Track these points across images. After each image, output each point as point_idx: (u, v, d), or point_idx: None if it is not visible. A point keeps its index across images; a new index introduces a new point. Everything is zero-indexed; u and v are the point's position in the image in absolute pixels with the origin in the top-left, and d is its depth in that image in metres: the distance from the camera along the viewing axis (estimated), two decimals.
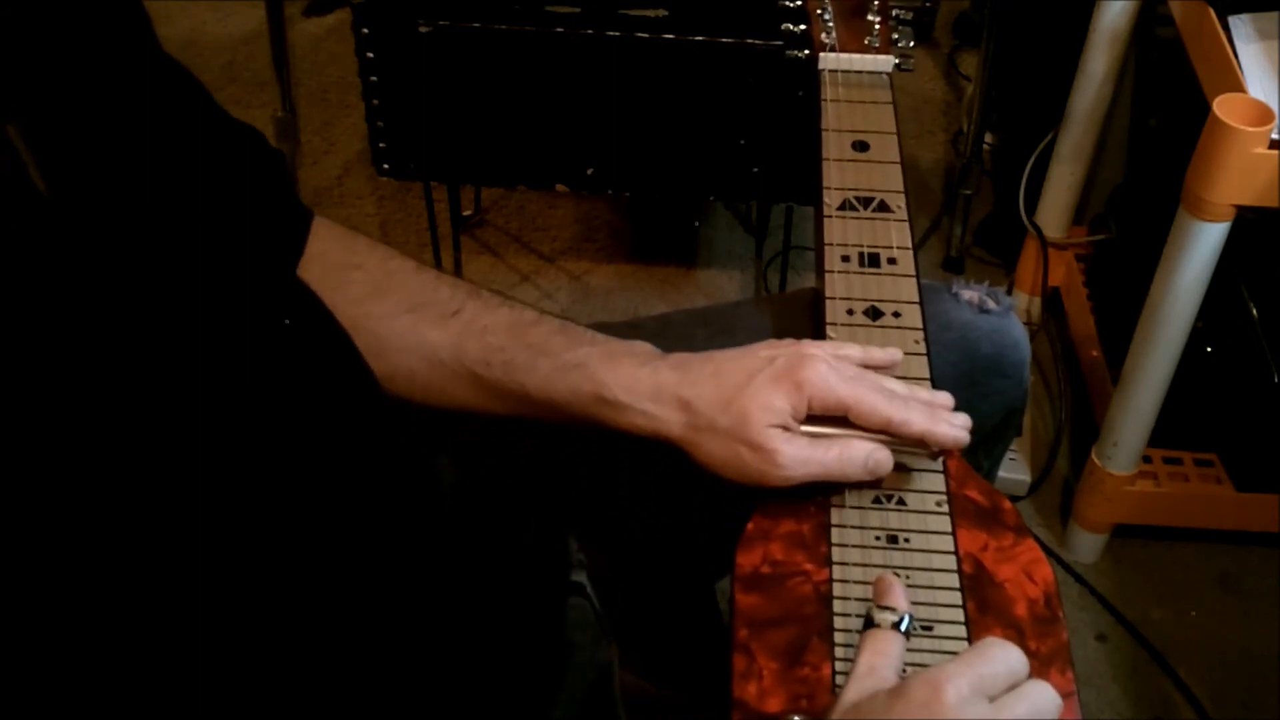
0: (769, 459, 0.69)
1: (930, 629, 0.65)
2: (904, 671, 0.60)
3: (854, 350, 0.74)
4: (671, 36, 1.34)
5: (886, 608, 0.61)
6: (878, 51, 0.99)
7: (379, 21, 1.35)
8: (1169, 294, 1.22)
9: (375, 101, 1.41)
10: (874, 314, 0.79)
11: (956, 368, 0.84)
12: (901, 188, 0.87)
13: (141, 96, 0.59)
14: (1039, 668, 0.63)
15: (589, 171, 1.45)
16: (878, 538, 0.69)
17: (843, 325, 0.78)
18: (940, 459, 0.72)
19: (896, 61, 0.99)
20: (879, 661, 0.59)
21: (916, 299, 0.80)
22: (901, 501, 0.71)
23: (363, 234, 0.81)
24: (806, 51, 1.01)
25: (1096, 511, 1.46)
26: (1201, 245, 1.17)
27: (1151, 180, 1.59)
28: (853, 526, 0.70)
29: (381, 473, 0.65)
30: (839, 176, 0.88)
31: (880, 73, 0.98)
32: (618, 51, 1.35)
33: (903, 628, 0.61)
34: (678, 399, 0.71)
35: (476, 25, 1.34)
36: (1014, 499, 1.55)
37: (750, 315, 0.95)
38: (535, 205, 1.98)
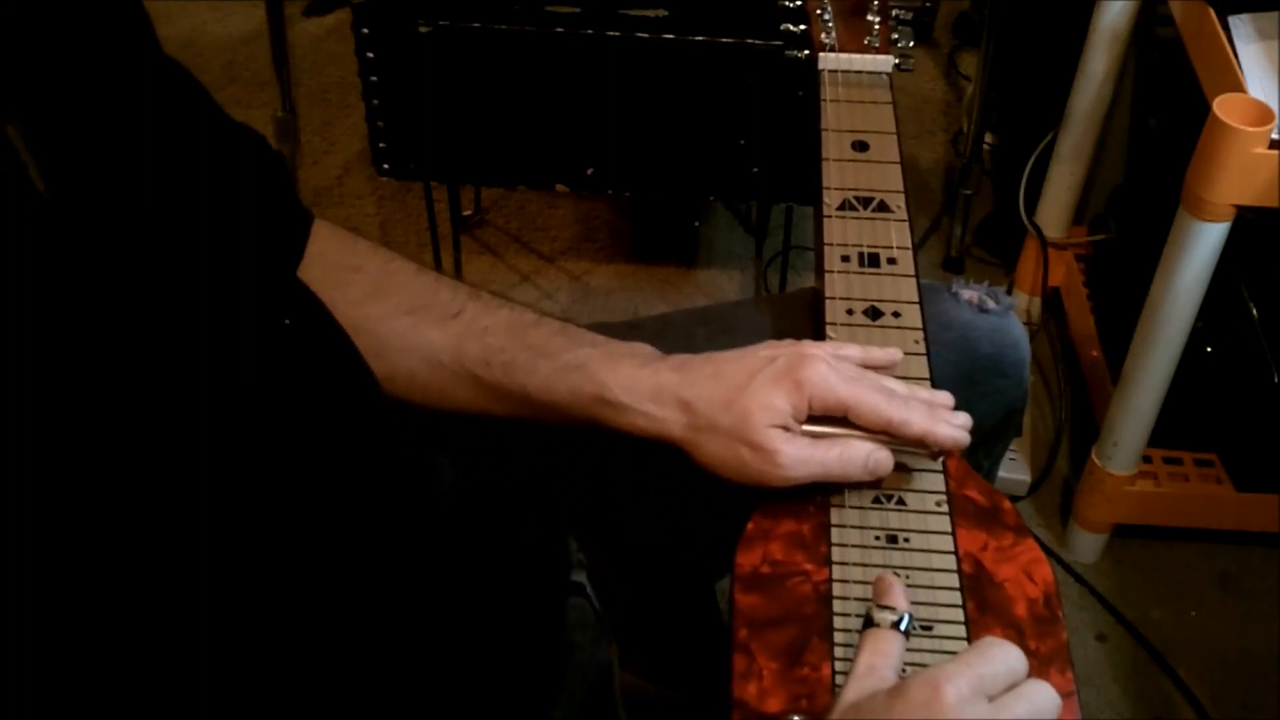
0: (769, 459, 0.69)
1: (930, 629, 0.65)
2: (904, 671, 0.60)
3: (854, 350, 0.74)
4: (671, 36, 1.34)
5: (886, 607, 0.61)
6: (877, 51, 0.99)
7: (379, 21, 1.35)
8: (1169, 294, 1.22)
9: (375, 101, 1.41)
10: (874, 314, 0.79)
11: (956, 367, 0.84)
12: (901, 188, 0.87)
13: (141, 97, 0.59)
14: (1039, 668, 0.63)
15: (589, 171, 1.45)
16: (877, 537, 0.69)
17: (842, 325, 0.78)
18: (940, 459, 0.72)
19: (896, 61, 0.99)
20: (878, 661, 0.59)
21: (916, 299, 0.80)
22: (901, 501, 0.71)
23: (363, 234, 0.81)
24: (806, 51, 1.01)
25: (1096, 511, 1.46)
26: (1201, 245, 1.17)
27: (1151, 180, 1.59)
28: (852, 526, 0.70)
29: (381, 473, 0.65)
30: (839, 176, 0.88)
31: (880, 73, 0.98)
32: (618, 51, 1.35)
33: (902, 627, 0.61)
34: (678, 400, 0.71)
35: (476, 25, 1.34)
36: (1014, 499, 1.55)
37: (750, 315, 0.95)
38: (535, 205, 1.98)
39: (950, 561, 0.68)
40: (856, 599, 0.66)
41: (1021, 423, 1.00)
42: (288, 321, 0.63)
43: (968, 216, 1.82)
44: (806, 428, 0.71)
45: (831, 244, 0.83)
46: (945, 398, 0.73)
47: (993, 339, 0.88)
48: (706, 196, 1.82)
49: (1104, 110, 1.57)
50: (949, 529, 0.69)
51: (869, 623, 0.61)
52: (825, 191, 0.87)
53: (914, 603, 0.65)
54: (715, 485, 0.71)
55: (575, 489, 0.87)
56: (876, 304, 0.80)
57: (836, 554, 0.68)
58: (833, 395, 0.69)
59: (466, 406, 0.77)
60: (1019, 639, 0.65)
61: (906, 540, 0.69)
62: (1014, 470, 1.57)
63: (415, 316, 0.77)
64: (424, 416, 0.78)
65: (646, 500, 0.87)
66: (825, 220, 0.85)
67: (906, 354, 0.76)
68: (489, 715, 0.66)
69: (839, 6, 1.02)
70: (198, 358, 0.54)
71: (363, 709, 0.59)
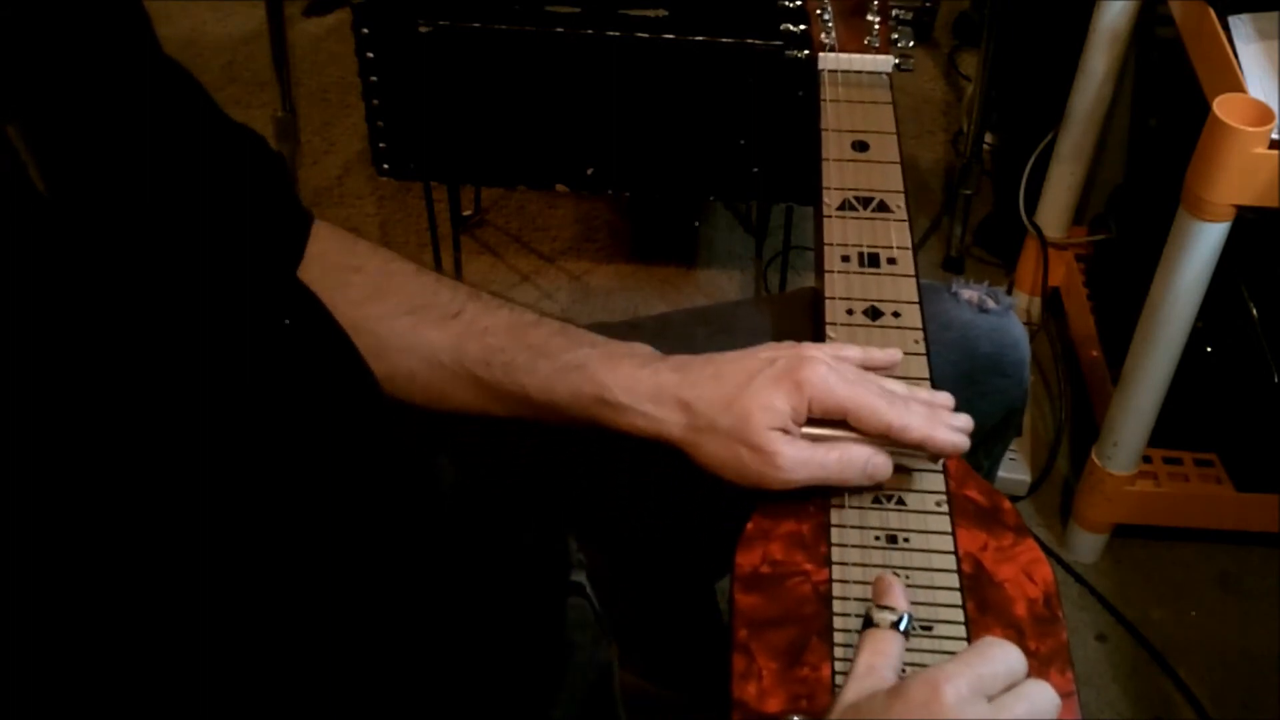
0: (769, 461, 0.69)
1: (930, 629, 0.65)
2: (903, 671, 0.60)
3: (854, 351, 0.74)
4: (671, 36, 1.34)
5: (886, 607, 0.61)
6: (877, 51, 0.99)
7: (379, 21, 1.35)
8: (1169, 294, 1.22)
9: (375, 101, 1.41)
10: (874, 314, 0.79)
11: (956, 367, 0.84)
12: (901, 187, 0.87)
13: (141, 97, 0.59)
14: (1039, 668, 0.63)
15: (589, 171, 1.45)
16: (877, 538, 0.69)
17: (842, 325, 0.78)
18: (940, 460, 0.72)
19: (896, 61, 0.99)
20: (878, 661, 0.59)
21: (916, 299, 0.80)
22: (901, 501, 0.71)
23: (363, 234, 0.81)
24: (806, 51, 1.01)
25: (1096, 511, 1.46)
26: (1201, 245, 1.17)
27: (1151, 180, 1.59)
28: (852, 526, 0.70)
29: (381, 473, 0.65)
30: (839, 176, 0.88)
31: (880, 73, 0.98)
32: (618, 51, 1.35)
33: (902, 627, 0.61)
34: (678, 400, 0.71)
35: (476, 25, 1.34)
36: (1014, 499, 1.55)
37: (750, 315, 0.95)
38: (535, 205, 1.98)
39: (950, 561, 0.68)
40: (856, 599, 0.66)
41: (1021, 423, 1.00)
42: (288, 322, 0.63)
43: (968, 216, 1.82)
44: (806, 430, 0.71)
45: (831, 244, 0.83)
46: (945, 399, 0.73)
47: (993, 339, 0.88)
48: (706, 196, 1.82)
49: (1104, 110, 1.57)
50: (949, 529, 0.69)
51: (868, 623, 0.61)
52: (825, 191, 0.87)
53: (914, 603, 0.65)
54: (715, 485, 0.71)
55: (575, 489, 0.87)
56: (876, 304, 0.80)
57: (836, 554, 0.68)
58: (832, 398, 0.69)
59: (466, 407, 0.77)
60: (1019, 639, 0.65)
61: (906, 540, 0.69)
62: (1014, 470, 1.57)
63: (415, 317, 0.77)
64: (424, 416, 0.78)
65: (646, 500, 0.87)
66: (825, 220, 0.85)
67: (906, 354, 0.76)
68: (489, 715, 0.66)
69: (839, 6, 1.02)
70: (198, 358, 0.54)
71: (363, 709, 0.59)
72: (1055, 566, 1.01)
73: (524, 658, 0.68)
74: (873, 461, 0.70)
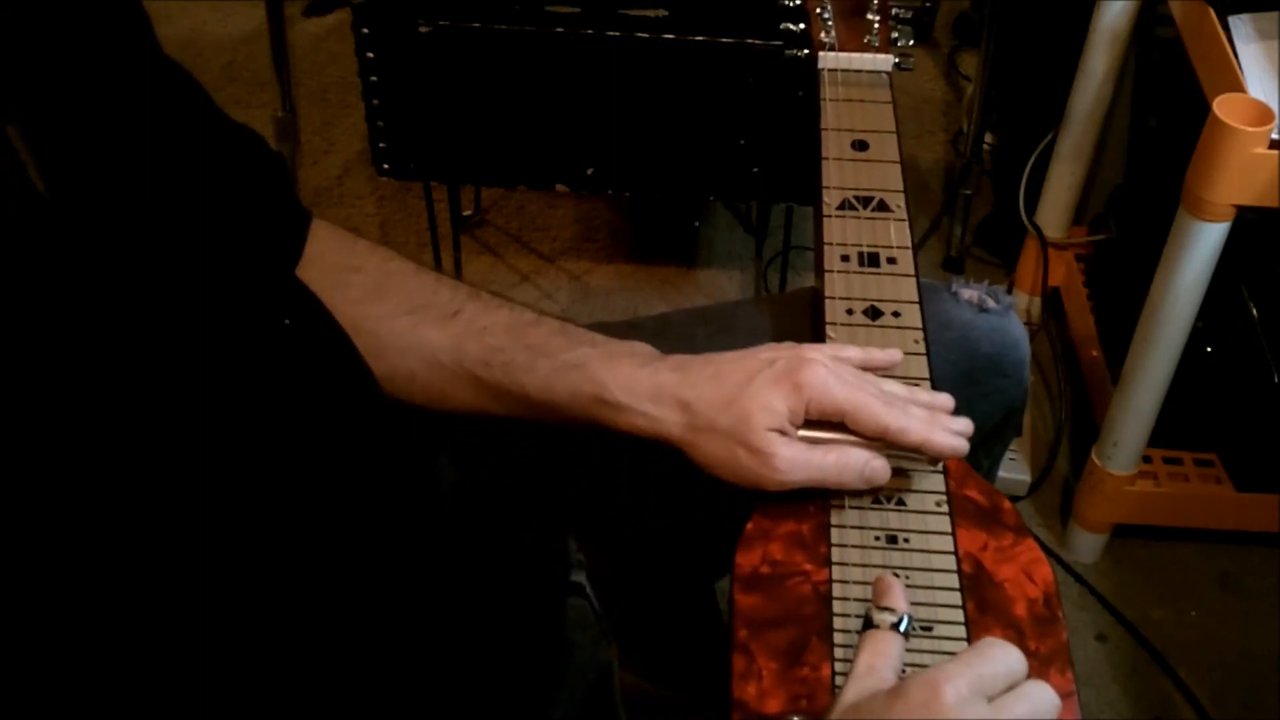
0: (766, 462, 0.69)
1: (930, 629, 0.65)
2: (903, 672, 0.60)
3: (854, 352, 0.73)
4: (671, 36, 1.34)
5: (886, 608, 0.61)
6: (877, 50, 0.99)
7: (379, 21, 1.35)
8: (1169, 294, 1.22)
9: (375, 101, 1.41)
10: (873, 313, 0.79)
11: (956, 367, 0.84)
12: (901, 187, 0.87)
13: (141, 97, 0.59)
14: (1038, 668, 0.63)
15: (589, 171, 1.45)
16: (877, 538, 0.69)
17: (842, 325, 0.78)
18: (939, 463, 0.72)
19: (896, 60, 0.99)
20: (878, 662, 0.59)
21: (916, 298, 0.80)
22: (901, 501, 0.71)
23: (363, 234, 0.81)
24: (806, 50, 1.01)
25: (1096, 511, 1.46)
26: (1201, 245, 1.17)
27: (1151, 180, 1.59)
28: (852, 527, 0.70)
29: (381, 473, 0.65)
30: (838, 176, 0.88)
31: (880, 72, 0.98)
32: (618, 51, 1.35)
33: (902, 628, 0.61)
34: (677, 400, 0.71)
35: (476, 25, 1.34)
36: (1014, 499, 1.55)
37: (750, 315, 0.95)
38: (535, 205, 1.98)
39: (950, 562, 0.68)
40: (856, 599, 0.66)
41: (1021, 423, 1.00)
42: (287, 322, 0.63)
43: (968, 216, 1.82)
44: (803, 433, 0.70)
45: (831, 243, 0.83)
46: (945, 401, 0.73)
47: (993, 339, 0.88)
48: (706, 196, 1.82)
49: (1104, 110, 1.57)
50: (949, 529, 0.69)
51: (868, 624, 0.61)
52: (825, 191, 0.87)
53: (914, 603, 0.65)
54: (715, 485, 0.71)
55: (575, 489, 0.87)
56: (876, 304, 0.80)
57: (836, 554, 0.68)
58: (831, 400, 0.69)
59: (466, 406, 0.77)
60: (1019, 639, 0.65)
61: (906, 540, 0.69)
62: (1014, 470, 1.57)
63: (415, 316, 0.77)
64: (424, 416, 0.78)
65: (646, 500, 0.87)
66: (825, 220, 0.85)
67: (906, 354, 0.76)
68: (489, 715, 0.66)
69: (839, 6, 1.02)
70: (197, 358, 0.54)
71: (363, 709, 0.59)
72: (1055, 566, 1.01)
73: (524, 658, 0.68)
74: (870, 465, 0.70)
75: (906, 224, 0.85)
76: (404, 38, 1.35)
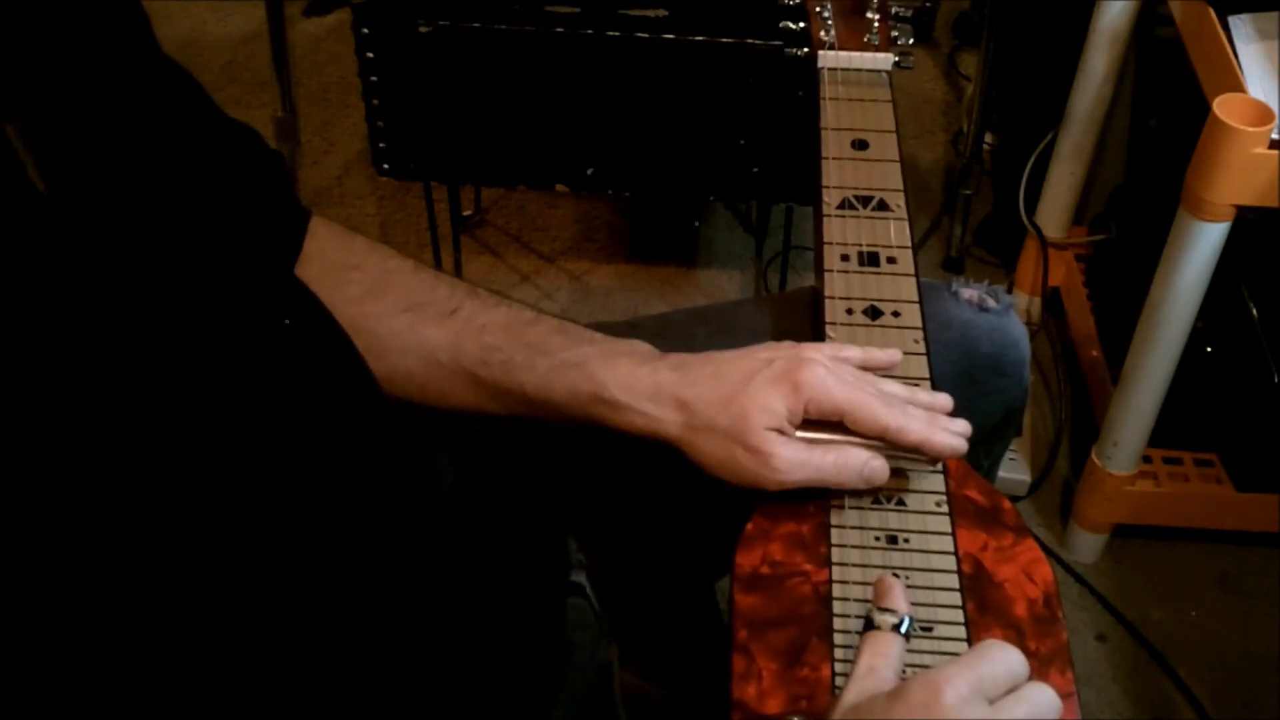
0: (764, 461, 0.69)
1: (930, 629, 0.64)
2: (904, 673, 0.60)
3: (854, 352, 0.73)
4: (671, 36, 1.34)
5: (886, 609, 0.61)
6: (877, 49, 0.99)
7: (379, 21, 1.35)
8: (1169, 294, 1.22)
9: (375, 101, 1.41)
10: (873, 313, 0.79)
11: (956, 366, 0.84)
12: (901, 186, 0.87)
13: (141, 97, 0.59)
14: (1039, 668, 0.63)
15: (589, 171, 1.45)
16: (877, 538, 0.69)
17: (842, 324, 0.78)
18: (939, 463, 0.72)
19: (896, 59, 0.98)
20: (878, 663, 0.59)
21: (916, 298, 0.80)
22: (901, 502, 0.71)
23: (362, 234, 0.81)
24: (805, 49, 1.01)
25: (1096, 511, 1.46)
26: (1201, 245, 1.17)
27: (1151, 180, 1.59)
28: (852, 527, 0.70)
29: (381, 473, 0.65)
30: (838, 175, 0.88)
31: (879, 70, 0.98)
32: (618, 51, 1.35)
33: (902, 630, 0.60)
34: (676, 399, 0.71)
35: (476, 25, 1.34)
36: (1014, 499, 1.55)
37: (750, 314, 0.95)
38: (535, 205, 1.98)
39: (950, 562, 0.68)
40: (856, 600, 0.66)
41: (1021, 422, 1.00)
42: (287, 321, 0.63)
43: (968, 216, 1.82)
44: (802, 433, 0.70)
45: (831, 243, 0.83)
46: (945, 402, 0.73)
47: (993, 338, 0.87)
48: (706, 196, 1.82)
49: (1104, 110, 1.57)
50: (949, 529, 0.69)
51: (869, 625, 0.61)
52: (825, 190, 0.87)
53: (913, 603, 0.65)
54: (715, 485, 0.71)
55: (575, 489, 0.87)
56: (876, 303, 0.80)
57: (836, 554, 0.68)
58: (830, 400, 0.69)
59: (465, 405, 0.77)
60: (1019, 639, 0.65)
61: (906, 541, 0.69)
62: (1014, 470, 1.57)
63: (413, 314, 0.76)
64: (424, 416, 0.78)
65: (646, 500, 0.87)
66: (825, 219, 0.85)
67: (906, 353, 0.76)
68: (489, 715, 0.66)
69: (839, 5, 1.02)
70: (197, 357, 0.54)
71: (363, 709, 0.59)
72: (1055, 566, 1.01)
73: (524, 658, 0.68)
74: (870, 465, 0.70)
75: (906, 223, 0.85)
76: (404, 38, 1.35)
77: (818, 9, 1.02)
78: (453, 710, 0.63)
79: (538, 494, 0.86)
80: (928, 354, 0.77)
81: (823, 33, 1.00)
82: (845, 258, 0.82)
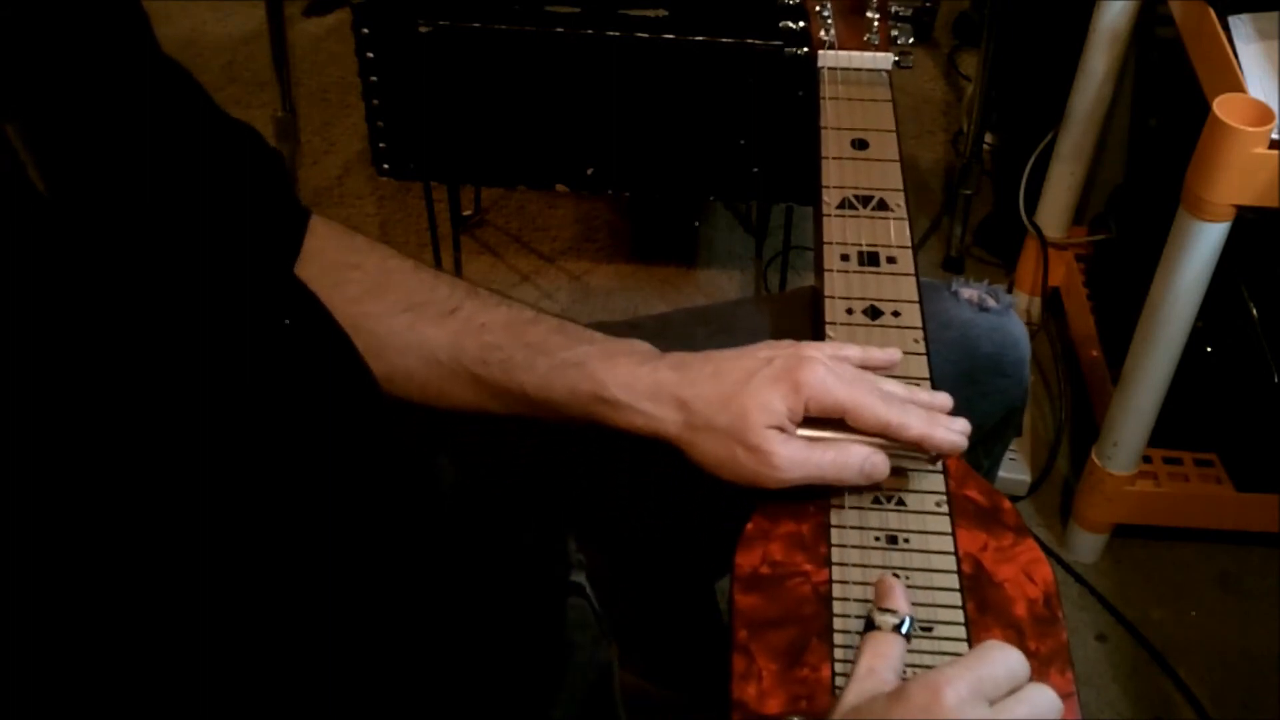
0: (765, 460, 0.69)
1: (930, 629, 0.64)
2: (904, 674, 0.60)
3: (853, 351, 0.73)
4: (671, 36, 1.34)
5: (887, 610, 0.61)
6: (877, 49, 0.99)
7: (379, 21, 1.35)
8: (1169, 294, 1.22)
9: (375, 101, 1.41)
10: (873, 313, 0.79)
11: (956, 366, 0.84)
12: (901, 186, 0.87)
13: (141, 97, 0.59)
14: (1039, 668, 0.63)
15: (589, 171, 1.45)
16: (877, 538, 0.69)
17: (842, 324, 0.78)
18: (939, 462, 0.72)
19: (896, 59, 0.98)
20: (879, 664, 0.59)
21: (916, 298, 0.80)
22: (901, 502, 0.71)
23: (362, 234, 0.81)
24: (805, 49, 1.01)
25: (1096, 511, 1.46)
26: (1201, 245, 1.17)
27: (1151, 180, 1.59)
28: (852, 527, 0.70)
29: (381, 473, 0.65)
30: (838, 174, 0.88)
31: (879, 70, 0.98)
32: (618, 51, 1.35)
33: (903, 630, 0.60)
34: (676, 398, 0.71)
35: (476, 25, 1.34)
36: (1014, 499, 1.55)
37: (750, 314, 0.95)
38: (535, 205, 1.98)
39: (950, 562, 0.68)
40: (856, 600, 0.66)
41: (1021, 422, 1.00)
42: (287, 321, 0.63)
43: (968, 216, 1.82)
44: (803, 431, 0.70)
45: (831, 242, 0.83)
46: (944, 401, 0.73)
47: (993, 338, 0.87)
48: (706, 196, 1.82)
49: (1104, 110, 1.57)
50: (949, 529, 0.69)
51: (870, 625, 0.61)
52: (824, 190, 0.87)
53: (913, 603, 0.65)
54: (715, 485, 0.71)
55: (575, 489, 0.87)
56: (876, 303, 0.80)
57: (836, 554, 0.68)
58: (830, 397, 0.69)
59: (465, 404, 0.77)
60: (1019, 639, 0.65)
61: (906, 541, 0.69)
62: (1014, 470, 1.57)
63: (413, 314, 0.76)
64: (424, 416, 0.78)
65: (646, 500, 0.87)
66: (825, 219, 0.85)
67: (906, 353, 0.76)
68: (489, 715, 0.66)
69: (838, 4, 1.02)
70: (197, 357, 0.54)
71: (363, 709, 0.59)
72: (1055, 566, 1.01)
73: (524, 658, 0.68)
74: (870, 461, 0.70)
75: (906, 223, 0.85)
76: (404, 38, 1.35)
77: (817, 8, 1.02)
78: (453, 710, 0.63)
79: (538, 494, 0.86)
80: (928, 354, 0.77)
81: (822, 32, 1.00)
82: (845, 257, 0.82)
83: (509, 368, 0.74)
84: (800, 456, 0.69)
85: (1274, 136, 1.08)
